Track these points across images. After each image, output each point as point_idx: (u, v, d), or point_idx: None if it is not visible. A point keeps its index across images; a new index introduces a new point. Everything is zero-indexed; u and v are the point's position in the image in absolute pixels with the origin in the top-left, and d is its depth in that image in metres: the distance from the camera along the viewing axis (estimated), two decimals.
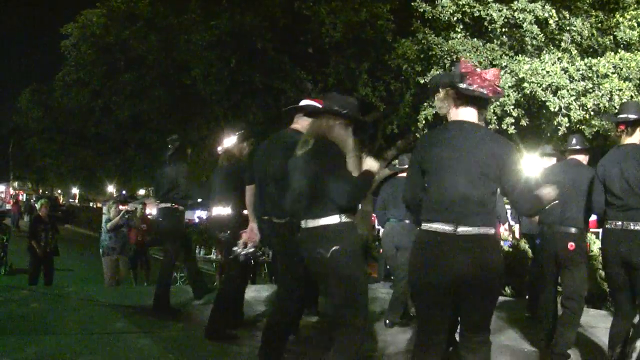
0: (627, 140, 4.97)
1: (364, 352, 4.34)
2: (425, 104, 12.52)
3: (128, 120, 25.91)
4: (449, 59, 11.73)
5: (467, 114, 3.66)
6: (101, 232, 11.74)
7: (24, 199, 60.63)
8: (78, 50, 21.75)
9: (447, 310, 3.68)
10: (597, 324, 7.39)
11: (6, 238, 17.22)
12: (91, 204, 58.79)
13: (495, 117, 11.43)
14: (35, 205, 13.79)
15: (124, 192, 50.54)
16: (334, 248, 3.97)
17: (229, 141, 6.38)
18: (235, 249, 5.83)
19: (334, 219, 4.04)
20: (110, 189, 53.00)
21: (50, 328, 6.20)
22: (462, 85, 3.59)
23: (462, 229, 3.45)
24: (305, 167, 4.19)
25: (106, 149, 31.38)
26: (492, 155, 3.49)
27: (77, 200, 67.55)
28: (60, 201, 61.72)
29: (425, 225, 3.59)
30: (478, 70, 3.69)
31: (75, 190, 64.79)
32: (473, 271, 3.44)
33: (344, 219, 4.06)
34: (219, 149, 6.51)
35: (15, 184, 64.83)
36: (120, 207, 12.40)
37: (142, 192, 54.20)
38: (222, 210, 6.22)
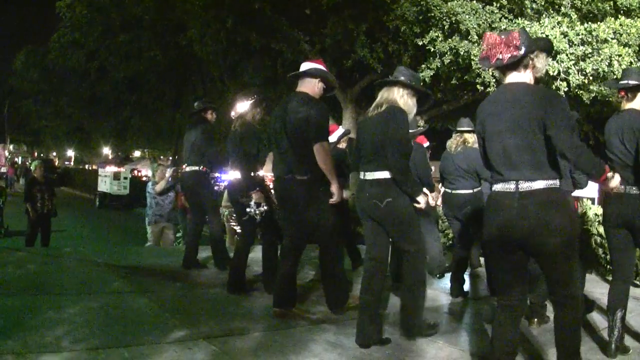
0: (628, 105, 4.96)
1: None
2: (423, 65, 12.44)
3: (123, 82, 25.82)
4: (447, 20, 11.63)
5: (512, 77, 3.80)
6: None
7: (19, 162, 60.50)
8: (73, 11, 21.51)
9: (520, 269, 3.77)
10: (592, 288, 7.43)
11: (2, 200, 17.17)
12: (87, 166, 58.66)
13: (494, 80, 11.38)
14: (31, 167, 13.66)
15: (119, 153, 50.44)
16: (387, 200, 4.62)
17: (242, 107, 6.43)
18: (249, 210, 6.18)
19: (388, 174, 4.65)
20: (106, 151, 52.92)
21: (48, 288, 6.20)
22: (484, 62, 3.87)
23: (523, 185, 3.57)
24: (373, 127, 4.75)
25: (101, 111, 31.27)
26: (537, 108, 3.56)
27: (72, 163, 67.44)
28: (56, 163, 61.56)
29: (493, 187, 3.81)
30: (496, 38, 3.78)
31: (70, 153, 64.68)
32: (536, 226, 3.52)
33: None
34: (232, 114, 6.57)
35: (11, 146, 64.67)
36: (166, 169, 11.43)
37: (137, 153, 54.08)
38: (238, 175, 6.32)
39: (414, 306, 4.90)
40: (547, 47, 3.89)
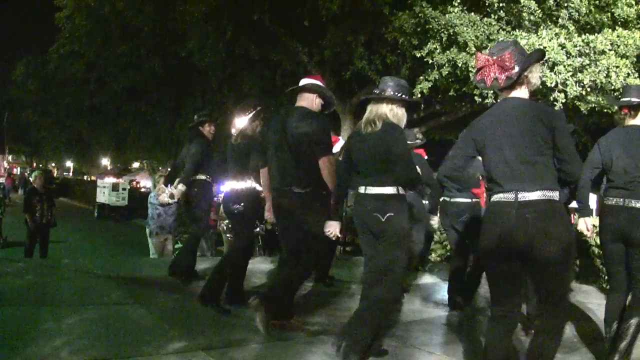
0: (631, 122, 5.02)
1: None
2: (421, 77, 12.48)
3: (123, 92, 25.82)
4: (445, 32, 11.67)
5: (509, 94, 3.86)
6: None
7: (18, 172, 60.53)
8: (73, 22, 21.52)
9: (517, 279, 3.81)
10: (590, 300, 7.44)
11: (1, 211, 17.16)
12: (85, 177, 58.68)
13: (491, 92, 11.41)
14: (30, 178, 13.62)
15: (118, 164, 50.45)
16: (389, 214, 4.63)
17: (242, 121, 6.47)
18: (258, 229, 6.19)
19: (391, 190, 4.68)
20: (105, 161, 52.93)
21: (47, 299, 6.20)
22: (480, 84, 3.95)
23: (522, 195, 3.61)
24: (373, 144, 4.76)
25: (101, 121, 31.25)
26: (541, 122, 3.64)
27: (71, 174, 67.44)
28: (55, 174, 61.57)
29: (492, 198, 3.84)
30: (488, 59, 3.83)
31: (69, 164, 64.71)
32: (534, 234, 3.56)
33: (400, 191, 4.73)
34: (233, 131, 6.63)
35: (10, 157, 64.69)
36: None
37: (136, 164, 54.06)
38: (237, 185, 6.35)
39: (368, 322, 4.70)
40: (539, 58, 3.95)
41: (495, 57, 3.77)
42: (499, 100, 3.99)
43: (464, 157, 4.05)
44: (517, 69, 3.71)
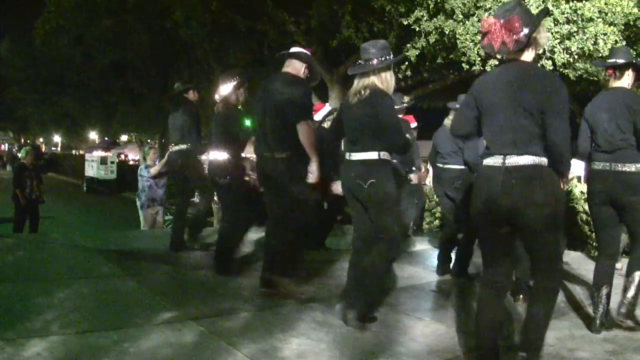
0: (616, 84, 5.03)
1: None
2: (408, 45, 12.44)
3: (109, 67, 25.67)
4: (432, 0, 11.62)
5: (515, 56, 3.77)
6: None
7: (6, 148, 60.21)
8: None
9: (506, 244, 3.82)
10: (578, 266, 7.50)
11: None
12: (74, 152, 58.44)
13: (479, 59, 11.39)
14: (18, 154, 13.53)
15: (106, 138, 50.26)
16: (370, 180, 4.65)
17: (226, 89, 6.44)
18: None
19: (373, 155, 4.69)
20: (93, 136, 52.70)
21: (37, 274, 6.18)
22: (487, 48, 3.84)
23: (509, 161, 3.60)
24: (358, 111, 4.75)
25: (88, 97, 31.09)
26: (538, 90, 3.58)
27: (59, 148, 67.15)
28: (43, 149, 61.27)
29: (483, 161, 3.82)
30: (495, 23, 3.73)
31: (57, 139, 64.38)
32: (519, 199, 3.55)
33: (382, 156, 4.72)
34: (216, 97, 6.59)
35: None
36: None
37: (124, 138, 53.87)
38: (219, 155, 6.32)
39: (365, 287, 4.83)
40: (545, 16, 3.90)
41: (502, 21, 3.67)
42: (504, 63, 3.92)
43: (468, 111, 3.97)
44: (526, 30, 3.61)
